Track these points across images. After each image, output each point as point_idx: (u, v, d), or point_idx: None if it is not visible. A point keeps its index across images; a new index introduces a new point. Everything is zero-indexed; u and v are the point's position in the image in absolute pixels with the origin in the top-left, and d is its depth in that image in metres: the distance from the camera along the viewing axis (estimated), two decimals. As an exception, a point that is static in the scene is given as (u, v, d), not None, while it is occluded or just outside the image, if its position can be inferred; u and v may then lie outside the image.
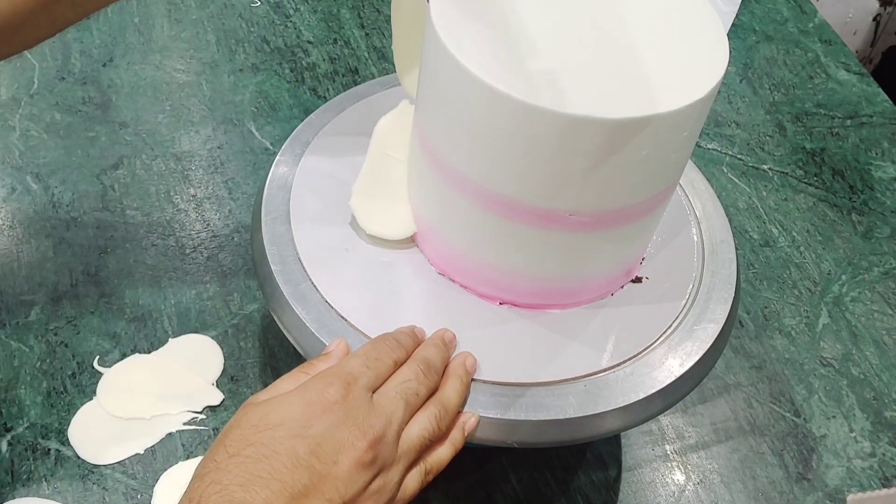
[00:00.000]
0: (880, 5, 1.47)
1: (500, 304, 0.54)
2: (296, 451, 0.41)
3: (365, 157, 0.56)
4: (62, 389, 0.64)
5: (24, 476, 0.60)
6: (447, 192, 0.50)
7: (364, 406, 0.44)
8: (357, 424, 0.43)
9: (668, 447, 0.67)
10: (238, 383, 0.66)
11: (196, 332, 0.68)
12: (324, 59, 0.93)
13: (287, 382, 0.46)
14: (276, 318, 0.53)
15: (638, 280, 0.56)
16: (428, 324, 0.51)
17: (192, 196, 0.78)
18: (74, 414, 0.63)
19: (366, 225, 0.55)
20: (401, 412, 0.45)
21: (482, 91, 0.44)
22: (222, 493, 0.40)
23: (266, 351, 0.68)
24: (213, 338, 0.68)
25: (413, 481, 0.46)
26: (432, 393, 0.47)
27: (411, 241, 0.56)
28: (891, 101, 0.99)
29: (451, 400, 0.47)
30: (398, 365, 0.47)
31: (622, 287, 0.56)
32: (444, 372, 0.49)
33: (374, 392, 0.45)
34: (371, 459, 0.43)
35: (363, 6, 0.99)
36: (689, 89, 0.45)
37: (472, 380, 0.49)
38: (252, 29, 0.95)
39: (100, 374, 0.65)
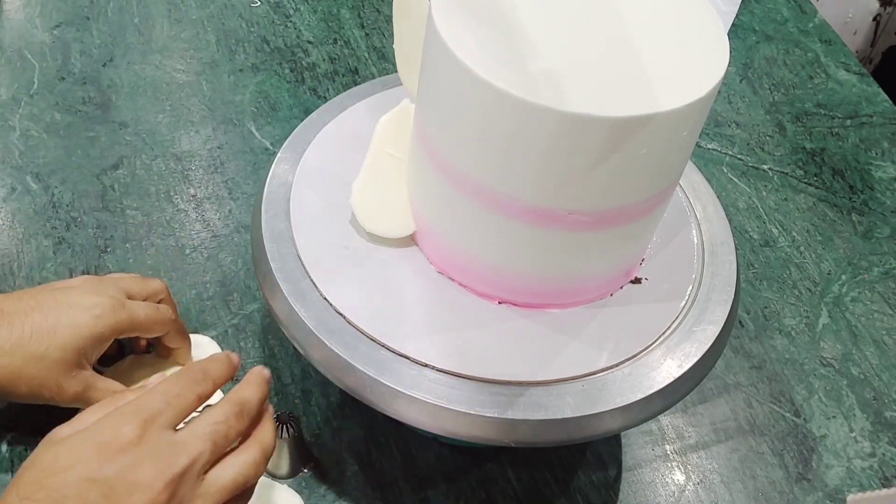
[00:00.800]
0: (880, 5, 1.47)
1: (500, 303, 0.54)
2: (87, 496, 0.40)
3: (365, 156, 0.56)
4: (62, 389, 0.64)
5: (24, 476, 0.60)
6: (446, 190, 0.50)
7: (163, 445, 0.43)
8: (154, 465, 0.42)
9: (668, 447, 0.67)
10: (238, 383, 0.66)
11: (196, 332, 0.68)
12: (324, 59, 0.93)
13: (90, 415, 0.45)
14: (274, 316, 0.53)
15: (637, 281, 0.56)
16: (427, 322, 0.51)
17: (192, 196, 0.78)
18: (74, 414, 0.63)
19: (365, 223, 0.55)
20: (207, 454, 0.44)
21: (482, 89, 0.44)
22: None
23: (266, 351, 0.68)
24: (213, 338, 0.68)
25: None
26: (242, 436, 0.47)
27: (411, 239, 0.56)
28: (891, 101, 0.98)
29: (270, 443, 0.47)
30: (202, 399, 0.46)
31: (622, 287, 0.56)
32: (259, 411, 0.48)
33: (175, 429, 0.44)
34: (166, 500, 0.41)
35: (363, 6, 0.99)
36: (690, 88, 0.45)
37: (471, 377, 0.49)
38: (252, 29, 0.95)
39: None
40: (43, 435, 0.61)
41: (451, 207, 0.51)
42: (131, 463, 0.41)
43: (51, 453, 0.42)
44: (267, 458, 0.47)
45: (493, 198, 0.48)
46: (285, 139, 0.61)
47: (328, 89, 0.90)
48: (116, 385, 0.57)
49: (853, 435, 0.69)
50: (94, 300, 0.56)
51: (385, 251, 0.55)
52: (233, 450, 0.46)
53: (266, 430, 0.48)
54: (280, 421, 0.58)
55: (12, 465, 0.60)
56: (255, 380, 0.49)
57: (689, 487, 0.65)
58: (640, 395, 0.50)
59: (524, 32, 0.46)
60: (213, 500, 0.44)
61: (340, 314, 0.51)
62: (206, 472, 0.44)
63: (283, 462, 0.60)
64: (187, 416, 0.45)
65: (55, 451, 0.42)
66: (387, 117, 0.57)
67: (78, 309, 0.55)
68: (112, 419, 0.43)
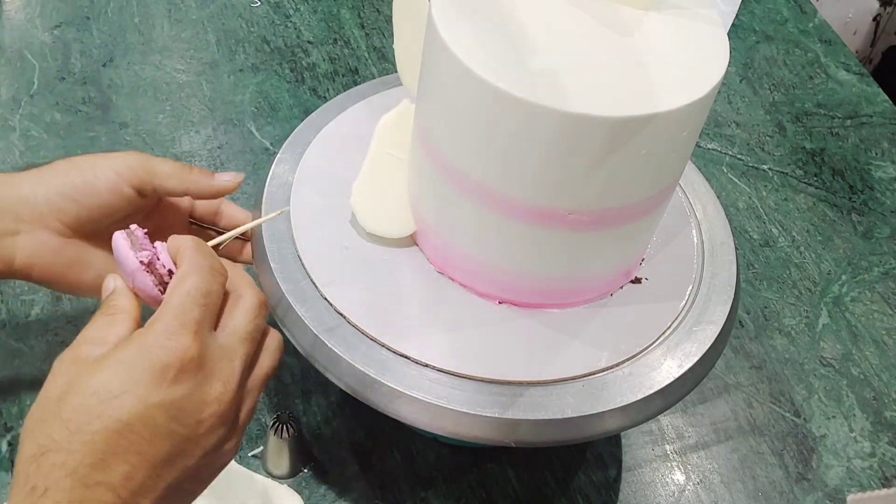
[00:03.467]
0: (880, 5, 1.47)
1: (500, 302, 0.54)
2: (153, 420, 0.38)
3: (365, 156, 0.56)
4: (62, 389, 0.64)
5: (24, 476, 0.60)
6: (446, 189, 0.50)
7: (217, 355, 0.41)
8: (218, 378, 0.41)
9: (668, 447, 0.67)
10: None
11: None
12: (324, 59, 0.93)
13: (105, 329, 0.42)
14: (274, 316, 0.53)
15: (638, 280, 0.56)
16: (427, 322, 0.51)
17: (192, 196, 0.78)
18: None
19: (365, 223, 0.55)
20: (252, 352, 0.43)
21: (482, 89, 0.44)
22: (73, 476, 0.36)
23: (266, 351, 0.68)
24: (212, 337, 0.68)
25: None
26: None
27: (411, 239, 0.56)
28: (891, 101, 0.98)
29: (282, 347, 0.47)
30: (223, 287, 0.44)
31: (622, 287, 0.56)
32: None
33: (216, 329, 0.43)
34: (235, 410, 0.41)
35: (363, 6, 0.99)
36: (690, 88, 0.45)
37: (471, 378, 0.49)
38: (252, 29, 0.95)
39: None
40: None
41: (451, 207, 0.51)
42: (197, 380, 0.40)
43: (95, 379, 0.39)
44: (281, 340, 0.47)
45: (492, 197, 0.48)
46: (285, 139, 0.61)
47: (328, 89, 0.90)
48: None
49: (853, 435, 0.69)
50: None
51: (385, 251, 0.55)
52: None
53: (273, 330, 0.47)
54: (280, 421, 0.58)
55: (12, 466, 0.60)
56: (249, 280, 0.47)
57: (689, 487, 0.65)
58: (640, 395, 0.50)
59: (524, 33, 0.46)
60: (256, 393, 0.44)
61: (340, 314, 0.51)
62: (251, 372, 0.44)
63: (283, 462, 0.60)
64: (218, 309, 0.43)
65: (100, 376, 0.39)
66: (387, 117, 0.57)
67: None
68: (158, 335, 0.40)
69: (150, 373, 0.39)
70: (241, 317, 0.44)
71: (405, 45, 0.57)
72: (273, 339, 0.46)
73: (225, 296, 0.44)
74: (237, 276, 0.46)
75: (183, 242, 0.44)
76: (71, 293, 0.55)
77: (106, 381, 0.38)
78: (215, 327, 0.43)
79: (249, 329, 0.43)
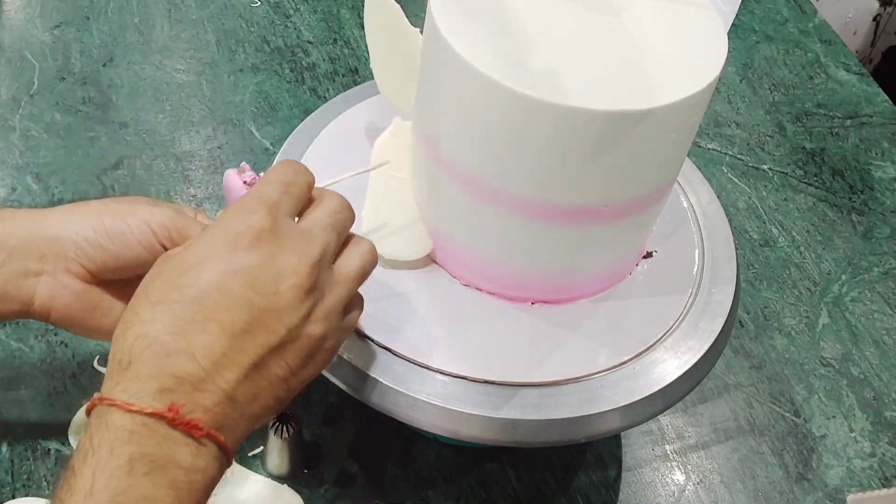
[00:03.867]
0: (880, 5, 1.47)
1: (498, 298, 0.54)
2: (229, 287, 0.38)
3: (364, 166, 0.56)
4: (62, 389, 0.64)
5: (24, 476, 0.60)
6: (440, 182, 0.50)
7: (294, 232, 0.41)
8: (293, 251, 0.40)
9: (668, 447, 0.67)
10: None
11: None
12: (324, 59, 0.93)
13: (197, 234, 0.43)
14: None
15: (649, 257, 0.56)
16: (426, 322, 0.51)
17: (193, 196, 0.78)
18: (74, 414, 0.63)
19: (382, 251, 0.53)
20: (333, 242, 0.42)
21: (483, 84, 0.44)
22: (153, 346, 0.37)
23: (266, 351, 0.68)
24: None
25: (355, 317, 0.45)
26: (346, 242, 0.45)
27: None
28: (891, 101, 0.99)
29: (373, 249, 0.46)
30: (310, 187, 0.44)
31: (621, 286, 0.56)
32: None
33: (296, 219, 0.43)
34: (312, 285, 0.40)
35: (363, 6, 0.99)
36: (687, 84, 0.45)
37: (471, 378, 0.49)
38: (252, 29, 0.95)
39: (100, 374, 0.65)
40: (43, 435, 0.62)
41: (443, 198, 0.51)
42: (271, 250, 0.39)
43: (176, 258, 0.40)
44: (372, 244, 0.46)
45: (490, 191, 0.48)
46: (285, 139, 0.61)
47: (328, 89, 0.90)
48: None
49: (853, 435, 0.69)
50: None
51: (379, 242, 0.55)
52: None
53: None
54: (280, 421, 0.58)
55: (12, 465, 0.60)
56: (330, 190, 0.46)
57: (689, 487, 0.65)
58: (640, 395, 0.50)
59: (523, 29, 0.46)
60: (346, 289, 0.43)
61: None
62: (333, 262, 0.43)
63: (283, 462, 0.60)
64: (301, 205, 0.43)
65: (180, 255, 0.40)
66: (382, 140, 0.56)
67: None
68: (235, 212, 0.40)
69: (224, 242, 0.39)
70: (321, 210, 0.43)
71: (382, 59, 0.56)
72: (363, 242, 0.45)
73: (309, 200, 0.44)
74: (325, 190, 0.46)
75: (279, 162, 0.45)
76: (90, 337, 0.53)
77: (186, 256, 0.39)
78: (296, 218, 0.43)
79: (330, 221, 0.43)
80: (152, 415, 0.36)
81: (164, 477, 0.36)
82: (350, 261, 0.44)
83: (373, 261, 0.45)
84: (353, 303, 0.45)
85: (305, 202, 0.44)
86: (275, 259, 0.39)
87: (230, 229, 0.40)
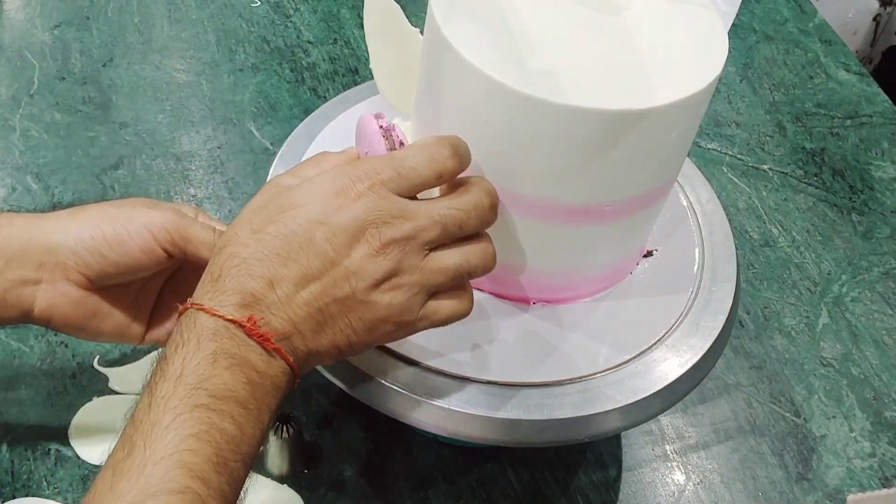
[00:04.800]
0: (880, 5, 1.47)
1: (498, 298, 0.54)
2: (314, 235, 0.42)
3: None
4: (62, 389, 0.64)
5: (24, 476, 0.60)
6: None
7: (389, 207, 0.42)
8: (377, 222, 0.42)
9: (668, 447, 0.67)
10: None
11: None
12: (324, 59, 0.93)
13: (312, 168, 0.46)
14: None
15: (649, 255, 0.56)
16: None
17: (192, 196, 0.78)
18: (74, 414, 0.63)
19: None
20: (434, 233, 0.43)
21: (484, 84, 0.44)
22: (241, 266, 0.41)
23: (266, 351, 0.68)
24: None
25: (446, 308, 0.45)
26: (469, 238, 0.45)
27: None
28: (891, 101, 0.98)
29: (490, 257, 0.46)
30: (442, 179, 0.44)
31: (621, 286, 0.56)
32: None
33: (408, 198, 0.43)
34: (388, 257, 0.42)
35: (363, 6, 0.99)
36: (687, 83, 0.45)
37: (471, 378, 0.49)
38: (252, 29, 0.95)
39: (100, 374, 0.65)
40: (43, 435, 0.62)
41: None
42: (357, 216, 0.42)
43: (284, 195, 0.43)
44: (494, 253, 0.46)
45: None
46: (285, 139, 0.61)
47: (328, 89, 0.90)
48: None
49: (853, 435, 0.69)
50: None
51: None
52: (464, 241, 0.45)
53: (488, 244, 0.46)
54: (280, 421, 0.58)
55: (12, 465, 0.60)
56: (489, 188, 0.46)
57: (689, 487, 0.65)
58: (640, 395, 0.50)
59: (524, 29, 0.46)
60: (433, 277, 0.44)
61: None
62: (431, 249, 0.44)
63: (283, 462, 0.60)
64: (420, 190, 0.44)
65: (289, 193, 0.43)
66: None
67: None
68: (349, 172, 0.43)
69: (324, 195, 0.42)
70: (448, 200, 0.44)
71: (382, 59, 0.56)
72: (484, 246, 0.45)
73: (456, 183, 0.45)
74: (477, 183, 0.45)
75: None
76: (91, 340, 0.55)
77: (291, 196, 0.43)
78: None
79: (444, 213, 0.43)
80: (233, 321, 0.40)
81: (241, 372, 0.40)
82: (449, 254, 0.44)
83: (482, 265, 0.45)
84: (449, 293, 0.45)
85: (431, 184, 0.44)
86: (356, 223, 0.42)
87: (335, 185, 0.42)
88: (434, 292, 0.44)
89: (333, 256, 0.42)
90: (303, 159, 0.59)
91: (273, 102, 0.88)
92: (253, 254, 0.41)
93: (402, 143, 0.46)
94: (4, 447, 0.61)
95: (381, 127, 0.46)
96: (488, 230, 0.46)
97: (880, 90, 0.99)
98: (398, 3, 0.53)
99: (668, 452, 0.67)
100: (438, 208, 0.43)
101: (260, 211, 0.43)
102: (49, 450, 0.61)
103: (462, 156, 0.45)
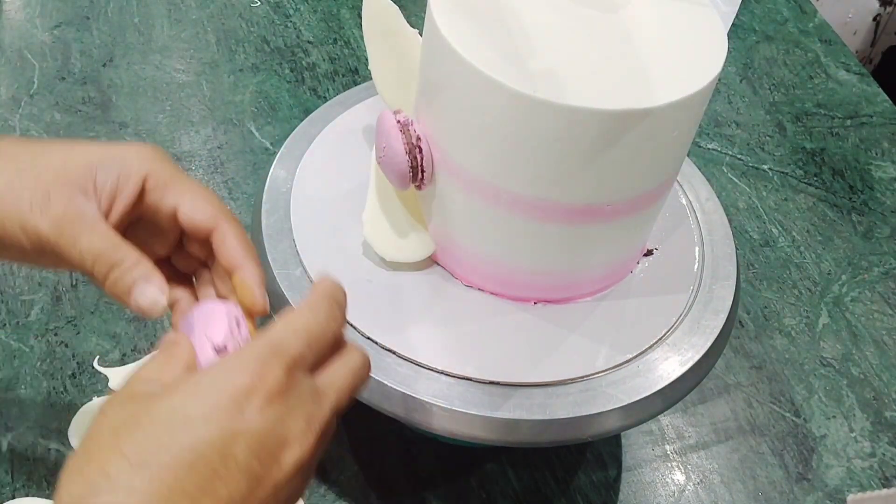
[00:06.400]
0: (880, 5, 1.47)
1: (498, 297, 0.54)
2: (231, 451, 0.33)
3: (367, 167, 0.56)
4: (62, 389, 0.64)
5: (24, 476, 0.60)
6: (441, 184, 0.50)
7: (307, 395, 0.36)
8: (304, 418, 0.36)
9: (668, 447, 0.67)
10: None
11: (196, 331, 0.68)
12: (324, 59, 0.93)
13: (167, 368, 0.37)
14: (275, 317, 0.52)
15: (649, 255, 0.56)
16: (426, 322, 0.51)
17: (192, 196, 0.78)
18: (74, 414, 0.63)
19: (384, 253, 0.53)
20: (345, 402, 0.38)
21: (484, 84, 0.44)
22: None
23: (266, 351, 0.68)
24: (212, 338, 0.68)
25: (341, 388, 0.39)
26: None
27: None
28: (891, 101, 0.99)
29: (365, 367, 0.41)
30: (337, 340, 0.39)
31: (620, 285, 0.56)
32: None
33: (315, 371, 0.38)
34: (316, 456, 0.37)
35: (363, 6, 0.99)
36: (687, 83, 0.45)
37: (471, 378, 0.49)
38: (252, 29, 0.95)
39: (100, 374, 0.65)
40: (43, 435, 0.62)
41: (442, 200, 0.51)
42: (280, 414, 0.34)
43: (165, 406, 0.33)
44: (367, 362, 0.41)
45: (489, 191, 0.48)
46: (285, 139, 0.61)
47: (328, 89, 0.90)
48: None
49: (853, 435, 0.69)
50: None
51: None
52: None
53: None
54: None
55: (12, 465, 0.60)
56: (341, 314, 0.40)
57: (689, 487, 0.65)
58: (640, 395, 0.50)
59: (523, 29, 0.46)
60: (334, 426, 0.38)
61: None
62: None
63: (283, 462, 0.60)
64: (323, 360, 0.38)
65: (168, 403, 0.34)
66: None
67: None
68: (250, 362, 0.35)
69: (231, 397, 0.34)
70: (340, 367, 0.39)
71: (381, 61, 0.56)
72: (353, 354, 0.41)
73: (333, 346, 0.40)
74: (350, 343, 0.41)
75: (320, 283, 0.40)
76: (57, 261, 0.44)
77: (180, 405, 0.33)
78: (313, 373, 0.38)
79: (349, 382, 0.39)
80: None
81: None
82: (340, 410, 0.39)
83: (360, 387, 0.40)
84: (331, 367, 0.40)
85: (329, 354, 0.39)
86: (283, 424, 0.35)
87: (239, 384, 0.34)
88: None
89: (260, 472, 0.34)
90: (302, 160, 0.59)
91: (273, 102, 0.88)
92: (146, 500, 0.31)
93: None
94: (4, 447, 0.61)
95: (398, 122, 0.47)
96: (490, 224, 0.44)
97: (880, 90, 0.99)
98: (397, 3, 0.53)
99: (668, 452, 0.67)
100: (342, 378, 0.39)
101: (129, 433, 0.33)
102: (49, 450, 0.61)
103: (344, 309, 0.40)
